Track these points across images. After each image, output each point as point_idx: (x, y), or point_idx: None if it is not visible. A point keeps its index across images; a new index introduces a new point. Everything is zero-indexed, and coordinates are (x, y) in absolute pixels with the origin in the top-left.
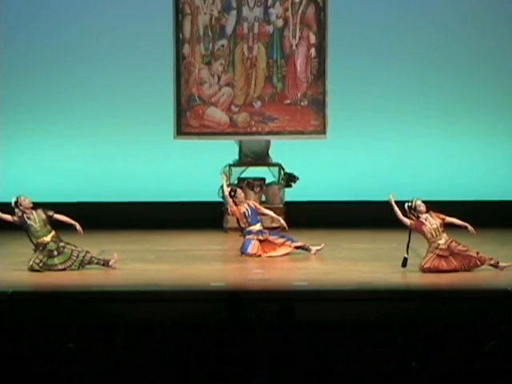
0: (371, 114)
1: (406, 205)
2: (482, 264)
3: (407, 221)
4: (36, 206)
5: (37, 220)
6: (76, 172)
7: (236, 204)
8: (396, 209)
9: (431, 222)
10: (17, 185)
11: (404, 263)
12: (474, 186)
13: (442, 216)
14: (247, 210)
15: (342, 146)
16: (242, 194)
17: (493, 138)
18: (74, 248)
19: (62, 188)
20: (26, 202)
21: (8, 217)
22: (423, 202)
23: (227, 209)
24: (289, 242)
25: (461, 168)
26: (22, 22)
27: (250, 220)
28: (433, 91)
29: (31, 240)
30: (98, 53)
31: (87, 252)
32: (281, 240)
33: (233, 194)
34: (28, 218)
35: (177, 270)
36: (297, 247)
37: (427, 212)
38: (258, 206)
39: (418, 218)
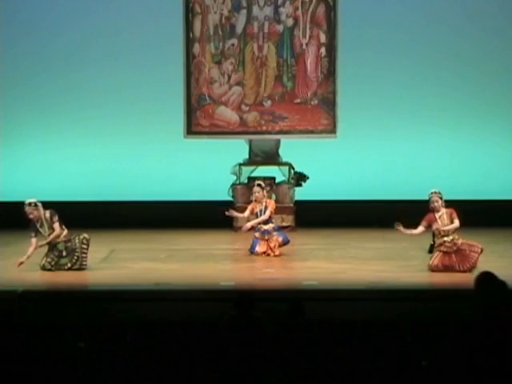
0: (381, 113)
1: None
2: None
3: (422, 229)
4: (46, 206)
5: (46, 227)
6: (86, 171)
7: (256, 201)
8: (408, 232)
9: (444, 221)
10: (26, 183)
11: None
12: (485, 185)
13: (455, 217)
14: (261, 210)
15: (352, 145)
16: (261, 193)
17: (504, 138)
18: (76, 247)
19: (72, 187)
20: (35, 213)
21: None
22: (441, 198)
23: (237, 208)
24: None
25: (472, 167)
26: (30, 20)
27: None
28: (443, 91)
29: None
30: (108, 52)
31: (83, 251)
32: (280, 239)
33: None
34: (39, 225)
35: (186, 269)
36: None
37: (447, 207)
38: (272, 209)
39: (433, 210)
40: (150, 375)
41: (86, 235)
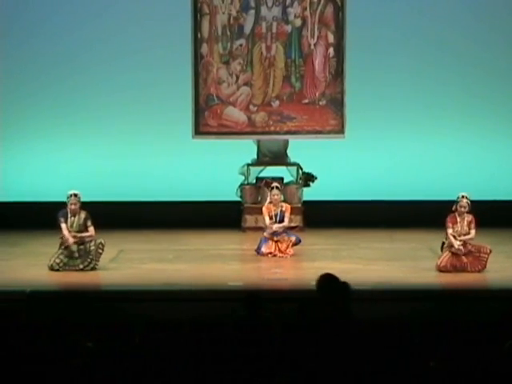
0: (389, 113)
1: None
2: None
3: (451, 231)
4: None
5: (74, 225)
6: (94, 171)
7: (272, 203)
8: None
9: (463, 227)
10: (33, 183)
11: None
12: (492, 186)
13: (472, 227)
14: (277, 214)
15: (360, 145)
16: (279, 196)
17: (510, 138)
18: (91, 251)
19: (80, 188)
20: (77, 206)
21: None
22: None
23: (245, 208)
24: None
25: (478, 167)
26: (34, 19)
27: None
28: (450, 91)
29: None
30: (115, 52)
31: (98, 256)
32: (293, 239)
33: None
34: (70, 216)
35: (195, 269)
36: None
37: (468, 213)
38: (288, 214)
39: (456, 211)
40: (159, 375)
41: (102, 240)
